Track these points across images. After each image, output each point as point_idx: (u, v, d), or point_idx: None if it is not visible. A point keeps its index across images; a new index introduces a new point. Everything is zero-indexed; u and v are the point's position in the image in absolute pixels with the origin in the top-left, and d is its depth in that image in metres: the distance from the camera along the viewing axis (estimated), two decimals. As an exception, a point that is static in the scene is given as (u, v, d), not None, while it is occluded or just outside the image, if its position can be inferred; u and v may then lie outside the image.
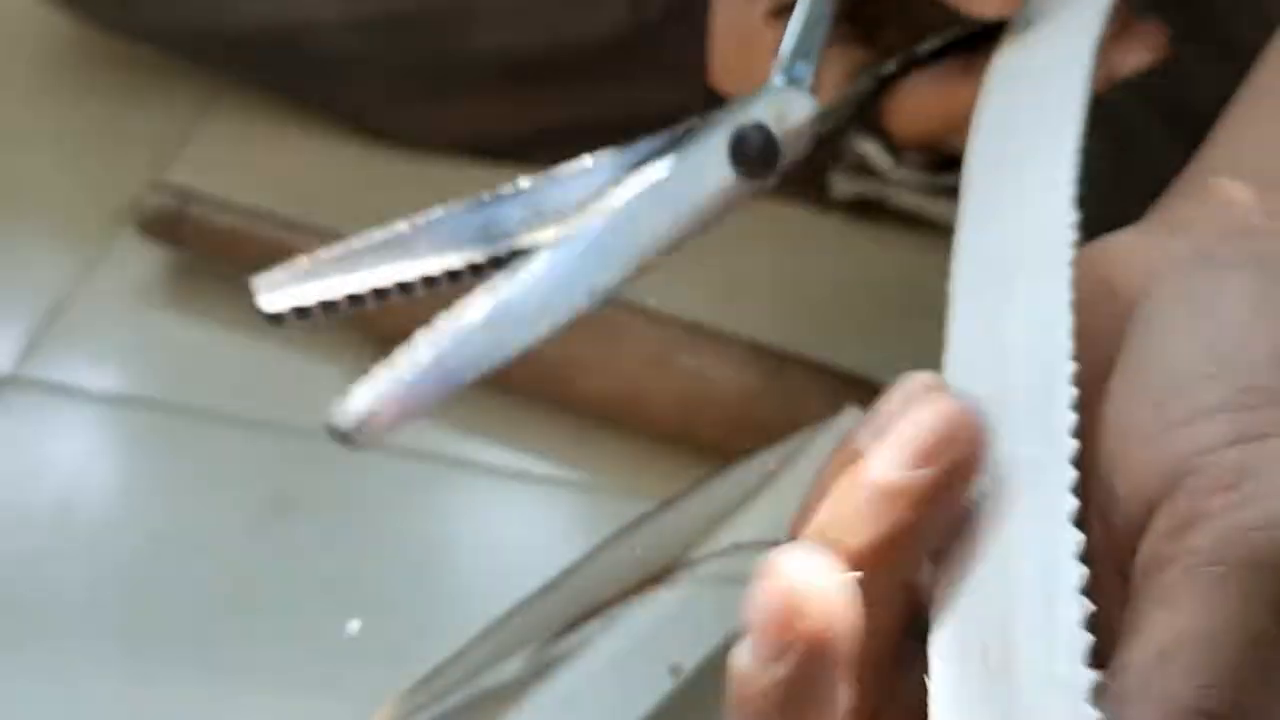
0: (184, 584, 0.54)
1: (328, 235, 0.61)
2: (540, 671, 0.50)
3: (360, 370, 0.51)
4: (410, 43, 0.68)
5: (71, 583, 0.54)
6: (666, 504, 0.53)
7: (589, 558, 0.51)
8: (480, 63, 0.69)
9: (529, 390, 0.59)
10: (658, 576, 0.52)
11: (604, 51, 0.68)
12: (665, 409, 0.57)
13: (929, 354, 0.31)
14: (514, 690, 0.49)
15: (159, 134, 0.73)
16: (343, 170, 0.72)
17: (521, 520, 0.57)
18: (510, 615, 0.50)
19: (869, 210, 0.69)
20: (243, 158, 0.72)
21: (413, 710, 0.48)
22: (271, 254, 0.60)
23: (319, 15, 0.67)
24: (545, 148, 0.71)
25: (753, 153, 0.42)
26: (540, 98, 0.70)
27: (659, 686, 0.48)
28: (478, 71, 0.69)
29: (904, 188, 0.68)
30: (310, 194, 0.70)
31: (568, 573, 0.51)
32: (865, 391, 0.51)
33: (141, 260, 0.65)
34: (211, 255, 0.63)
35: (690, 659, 0.48)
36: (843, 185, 0.69)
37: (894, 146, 0.69)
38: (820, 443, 0.54)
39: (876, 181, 0.69)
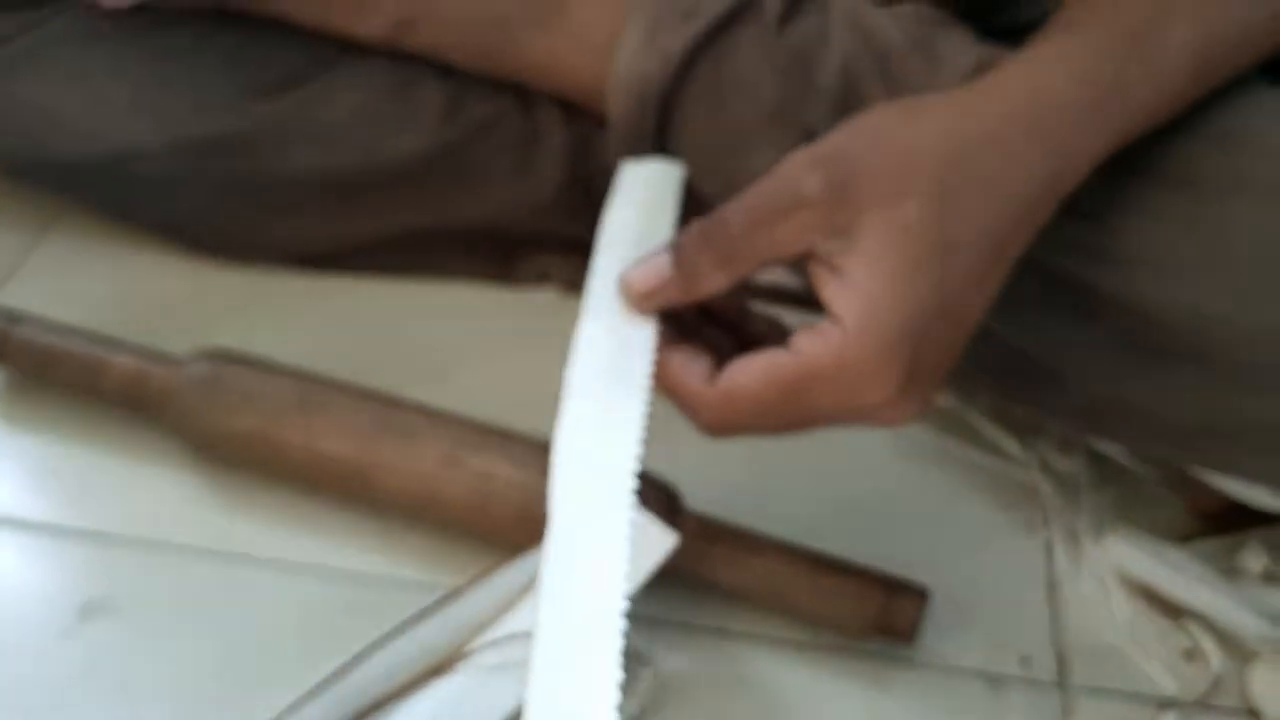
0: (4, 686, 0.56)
1: (143, 353, 0.64)
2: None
3: (180, 475, 0.55)
4: (229, 164, 0.71)
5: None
6: (448, 596, 0.56)
7: (373, 647, 0.54)
8: (297, 181, 0.72)
9: (335, 488, 0.62)
10: (439, 667, 0.55)
11: (411, 168, 0.72)
12: (457, 505, 0.60)
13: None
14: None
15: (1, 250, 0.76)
16: (173, 283, 0.75)
17: (323, 611, 0.60)
18: (300, 703, 0.53)
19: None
20: (79, 273, 0.75)
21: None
22: (89, 370, 0.64)
23: (141, 142, 0.70)
24: (362, 256, 0.76)
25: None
26: (355, 211, 0.74)
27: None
28: (295, 189, 0.72)
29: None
30: (143, 307, 0.73)
31: (354, 662, 0.54)
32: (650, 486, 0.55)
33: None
34: (35, 372, 0.66)
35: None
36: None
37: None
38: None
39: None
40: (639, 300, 0.47)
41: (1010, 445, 0.68)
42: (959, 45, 0.63)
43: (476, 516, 0.60)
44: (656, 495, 0.59)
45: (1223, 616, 0.60)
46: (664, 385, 0.47)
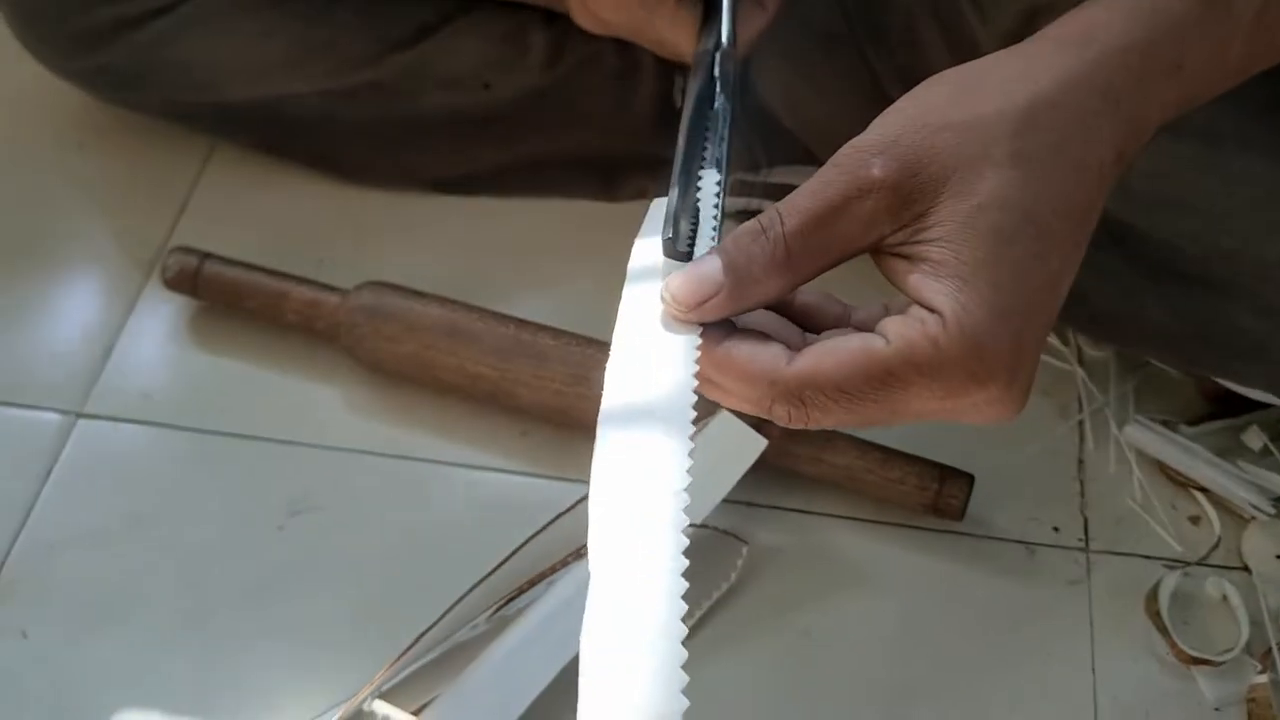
0: (226, 574, 0.71)
1: (315, 284, 0.77)
2: (497, 629, 0.67)
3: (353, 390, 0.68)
4: (369, 108, 0.82)
5: (143, 578, 0.71)
6: (585, 497, 0.69)
7: (531, 538, 0.68)
8: (427, 119, 0.83)
9: (482, 401, 0.75)
10: (577, 551, 0.69)
11: (524, 105, 0.82)
12: (583, 416, 0.72)
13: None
14: (479, 644, 0.67)
15: (166, 187, 0.88)
16: (323, 208, 0.87)
17: (482, 503, 0.74)
18: (473, 589, 0.67)
19: (753, 215, 0.85)
20: (239, 205, 0.87)
21: (404, 666, 0.66)
22: (271, 301, 0.77)
23: (292, 89, 0.81)
24: (485, 181, 0.87)
25: (734, 73, 0.55)
26: (477, 143, 0.85)
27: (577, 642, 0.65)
28: (426, 125, 0.84)
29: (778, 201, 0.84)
30: (297, 231, 0.85)
31: (511, 553, 0.68)
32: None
33: (168, 308, 0.81)
34: (223, 302, 0.79)
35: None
36: (731, 202, 0.83)
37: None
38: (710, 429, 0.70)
39: (757, 198, 0.84)
40: (686, 313, 0.42)
41: (1049, 337, 0.79)
42: None
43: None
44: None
45: (1223, 489, 0.72)
46: (732, 372, 0.41)
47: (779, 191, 0.84)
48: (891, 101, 0.74)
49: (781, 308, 0.46)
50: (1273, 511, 0.71)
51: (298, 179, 0.87)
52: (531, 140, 0.85)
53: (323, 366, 0.78)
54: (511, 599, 0.68)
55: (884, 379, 0.40)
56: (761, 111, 0.81)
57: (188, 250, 0.79)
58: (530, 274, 0.84)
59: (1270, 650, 0.67)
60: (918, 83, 0.72)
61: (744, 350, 0.41)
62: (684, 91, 0.57)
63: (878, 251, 0.42)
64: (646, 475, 0.39)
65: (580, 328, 0.77)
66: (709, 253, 0.42)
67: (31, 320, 0.81)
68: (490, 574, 0.68)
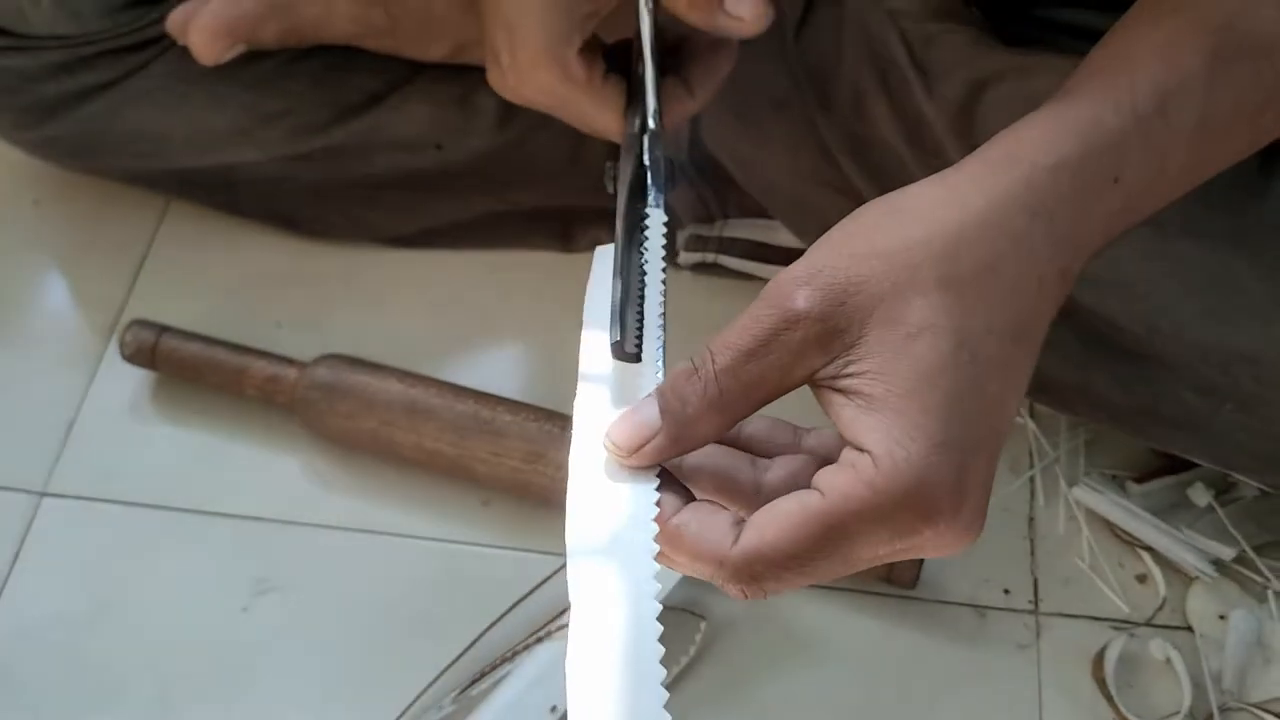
0: (194, 660, 0.72)
1: (272, 356, 0.77)
2: (463, 710, 0.69)
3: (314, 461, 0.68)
4: (323, 169, 0.82)
5: (113, 666, 0.72)
6: (549, 577, 0.71)
7: (494, 623, 0.70)
8: (382, 179, 0.83)
9: (441, 475, 0.76)
10: (539, 635, 0.70)
11: (477, 165, 0.82)
12: (541, 491, 0.74)
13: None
14: (446, 727, 0.69)
15: (123, 244, 0.88)
16: (281, 266, 0.87)
17: (446, 576, 0.75)
18: (439, 677, 0.69)
19: (709, 269, 0.85)
20: (197, 261, 0.87)
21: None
22: (229, 375, 0.77)
23: (244, 156, 0.81)
24: (441, 235, 0.87)
25: (665, 175, 0.55)
26: (432, 200, 0.85)
27: (543, 721, 0.67)
28: (382, 185, 0.84)
29: (732, 255, 0.84)
30: (255, 290, 0.86)
31: (481, 634, 0.70)
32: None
33: (128, 377, 0.81)
34: (181, 376, 0.79)
35: (565, 702, 0.67)
36: (687, 256, 0.85)
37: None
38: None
39: (712, 252, 0.84)
40: (625, 457, 0.42)
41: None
42: (958, 56, 0.70)
43: (559, 500, 0.74)
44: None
45: (1167, 550, 0.74)
46: (683, 551, 0.41)
47: (734, 245, 0.85)
48: (841, 169, 0.75)
49: (729, 440, 0.45)
50: (1214, 573, 0.73)
51: (254, 235, 0.88)
52: (486, 196, 0.85)
53: (284, 438, 0.79)
54: (476, 680, 0.70)
55: (827, 536, 0.39)
56: (714, 164, 0.81)
57: (145, 324, 0.79)
58: (490, 327, 0.85)
59: (1212, 715, 0.69)
60: (866, 152, 0.74)
61: (691, 529, 0.41)
62: (615, 178, 0.57)
63: (813, 384, 0.42)
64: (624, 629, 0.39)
65: (541, 380, 0.78)
66: (647, 397, 0.42)
67: (-8, 392, 0.82)
68: (456, 660, 0.70)
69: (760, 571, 0.40)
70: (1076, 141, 0.44)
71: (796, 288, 0.40)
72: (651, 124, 0.60)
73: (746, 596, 0.41)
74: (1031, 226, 0.42)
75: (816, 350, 0.40)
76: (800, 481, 0.41)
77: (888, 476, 0.38)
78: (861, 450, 0.39)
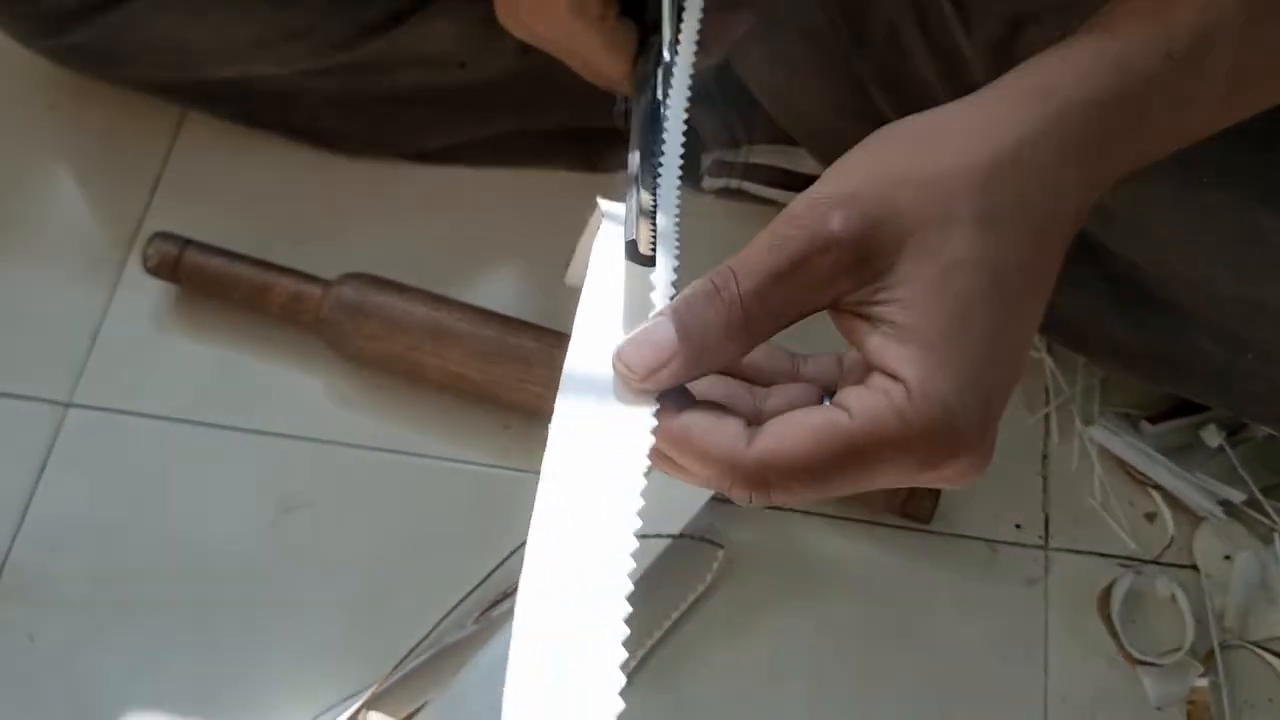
0: (222, 572, 0.74)
1: (297, 274, 0.77)
2: (483, 632, 0.71)
3: (338, 381, 0.68)
4: (345, 84, 0.81)
5: (142, 577, 0.73)
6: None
7: (519, 548, 0.71)
8: (405, 95, 0.82)
9: (465, 398, 0.77)
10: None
11: (501, 84, 0.81)
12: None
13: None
14: (466, 647, 0.70)
15: (141, 152, 0.87)
16: (301, 180, 0.86)
17: (468, 499, 0.76)
18: (462, 600, 0.71)
19: (733, 195, 0.85)
20: (216, 172, 0.86)
21: (394, 672, 0.69)
22: (254, 291, 0.77)
23: (265, 70, 0.80)
24: (464, 152, 0.87)
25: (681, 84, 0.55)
26: (455, 118, 0.84)
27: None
28: (404, 101, 0.83)
29: (756, 182, 0.84)
30: (275, 203, 0.85)
31: (506, 557, 0.71)
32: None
33: (150, 290, 0.81)
34: (204, 292, 0.79)
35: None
36: (711, 181, 0.85)
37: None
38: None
39: (737, 178, 0.84)
40: (639, 381, 0.40)
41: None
42: None
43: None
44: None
45: (1178, 490, 0.75)
46: (689, 452, 0.40)
47: (759, 171, 0.84)
48: (873, 101, 0.75)
49: (725, 369, 0.43)
50: (1223, 515, 0.74)
51: (273, 148, 0.87)
52: (509, 115, 0.84)
53: (308, 356, 0.79)
54: (497, 603, 0.72)
55: (849, 456, 0.38)
56: (741, 91, 0.80)
57: (168, 237, 0.79)
58: (510, 247, 0.85)
59: (1213, 651, 0.71)
60: (901, 87, 0.73)
61: (700, 427, 0.39)
62: (625, 113, 0.57)
63: (835, 309, 0.41)
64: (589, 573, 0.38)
65: (562, 300, 0.78)
66: (661, 315, 0.40)
67: (13, 301, 0.81)
68: (479, 584, 0.71)
69: (773, 479, 0.39)
70: (1109, 80, 0.43)
71: (830, 209, 0.39)
72: (667, 56, 0.59)
73: (750, 502, 0.40)
74: (1060, 165, 0.42)
75: (847, 275, 0.39)
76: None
77: (919, 409, 0.38)
78: (895, 378, 0.38)
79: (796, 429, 0.39)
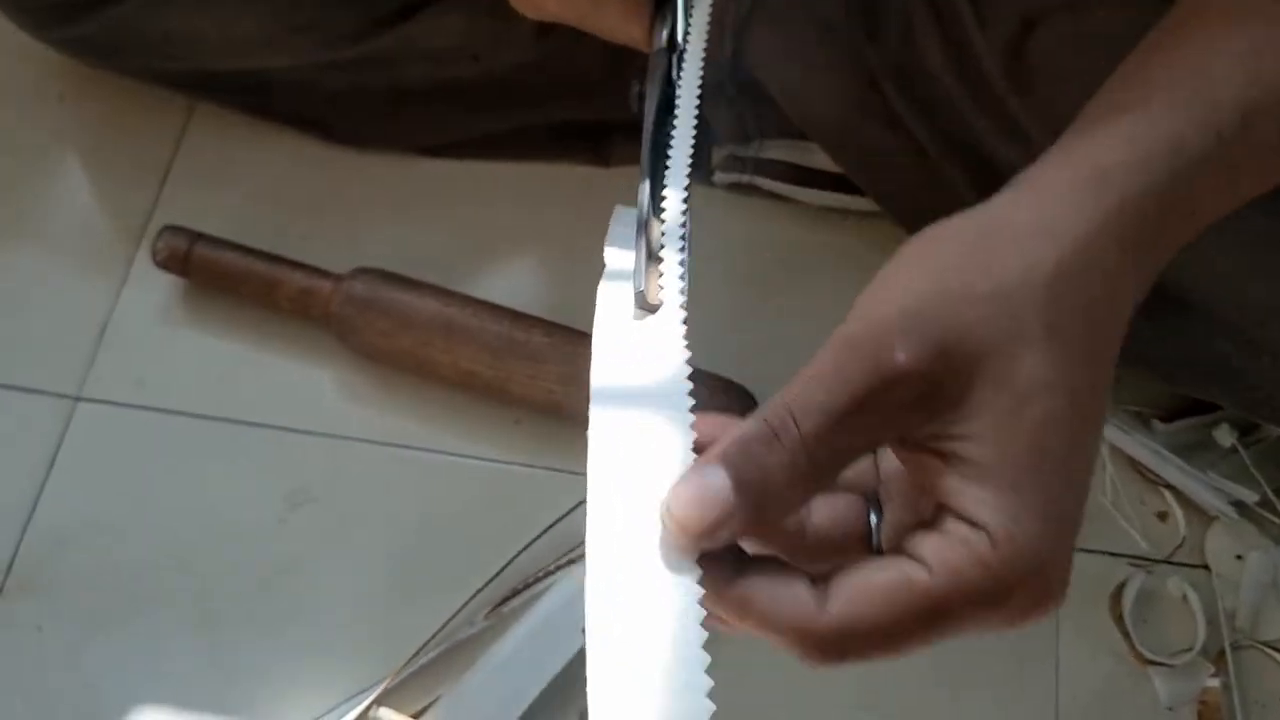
0: (231, 569, 0.73)
1: (307, 268, 0.77)
2: (494, 628, 0.71)
3: (347, 375, 0.68)
4: (353, 77, 0.81)
5: (151, 572, 0.73)
6: (582, 501, 0.72)
7: (531, 543, 0.71)
8: (416, 89, 0.82)
9: (475, 394, 0.77)
10: (572, 556, 0.72)
11: (514, 77, 0.81)
12: (575, 413, 0.74)
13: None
14: (476, 643, 0.70)
15: (150, 142, 0.86)
16: (310, 172, 0.86)
17: (478, 494, 0.76)
18: (474, 597, 0.70)
19: (744, 190, 0.85)
20: (225, 164, 0.86)
21: (404, 668, 0.69)
22: (263, 285, 0.77)
23: (275, 62, 0.80)
24: (475, 147, 0.86)
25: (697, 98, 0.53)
26: (466, 112, 0.84)
27: (575, 643, 0.69)
28: (415, 95, 0.83)
29: (768, 177, 0.84)
30: (284, 196, 0.85)
31: (518, 554, 0.71)
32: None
33: (159, 283, 0.81)
34: (214, 286, 0.79)
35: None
36: (722, 176, 0.84)
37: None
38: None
39: (748, 173, 0.84)
40: (694, 541, 0.35)
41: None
42: None
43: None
44: (731, 398, 0.74)
45: (1190, 490, 0.75)
46: (752, 622, 0.36)
47: (771, 166, 0.84)
48: (886, 96, 0.74)
49: None
50: (1235, 515, 0.74)
51: (283, 141, 0.86)
52: (522, 109, 0.84)
53: (317, 350, 0.79)
54: (508, 599, 0.71)
55: (931, 616, 0.35)
56: (754, 83, 0.80)
57: (177, 230, 0.79)
58: (521, 242, 0.84)
59: (1224, 651, 0.71)
60: (914, 83, 0.73)
61: (765, 595, 0.35)
62: (641, 95, 0.56)
63: (904, 445, 0.37)
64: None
65: (572, 295, 0.77)
66: (713, 462, 0.35)
67: (21, 293, 0.81)
68: (491, 580, 0.71)
69: (850, 646, 0.35)
70: (1162, 166, 0.40)
71: (894, 339, 0.35)
72: (680, 42, 0.59)
73: (827, 668, 0.36)
74: (1121, 261, 0.39)
75: (917, 410, 0.36)
76: (848, 525, 0.39)
77: (1006, 559, 0.34)
78: (974, 525, 0.35)
79: (874, 591, 0.35)
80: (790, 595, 0.35)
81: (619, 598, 0.35)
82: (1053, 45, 0.66)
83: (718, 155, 0.84)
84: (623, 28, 0.61)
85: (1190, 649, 0.71)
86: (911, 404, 0.35)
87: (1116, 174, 0.40)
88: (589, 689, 0.35)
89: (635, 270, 0.44)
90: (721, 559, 0.36)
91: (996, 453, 0.35)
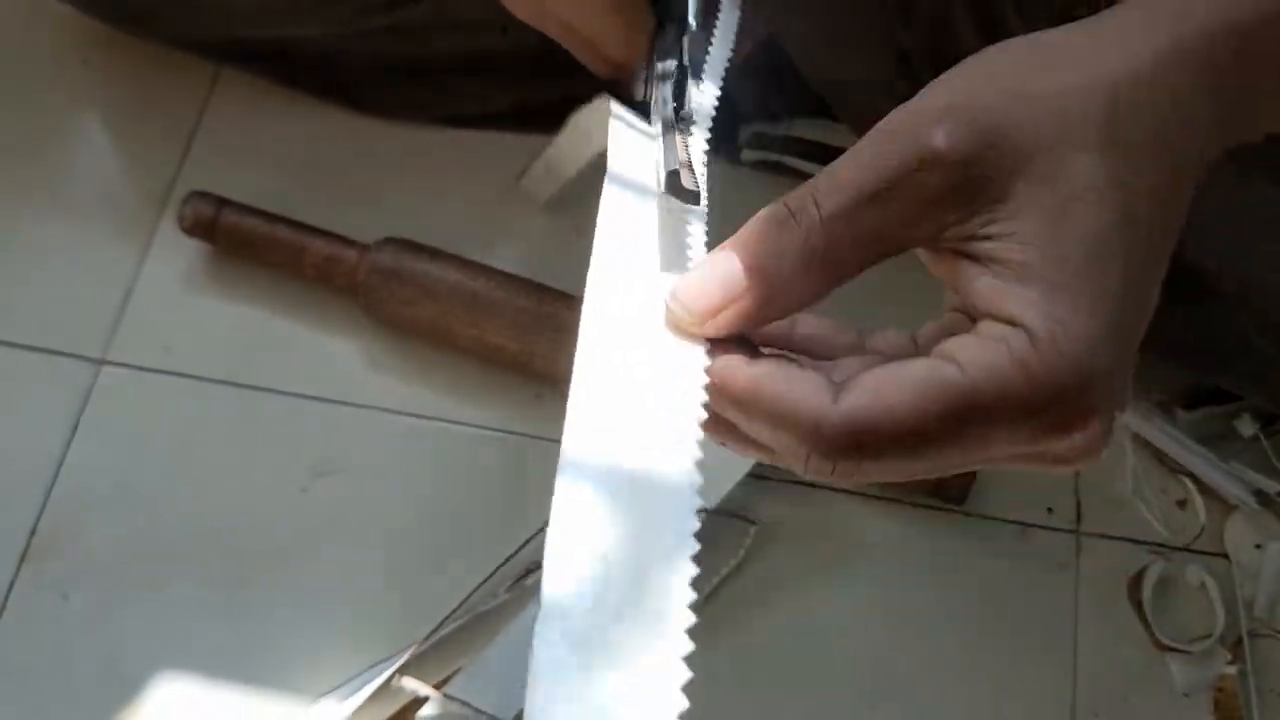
0: (255, 536, 0.74)
1: (333, 236, 0.77)
2: (516, 600, 0.71)
3: (371, 344, 0.68)
4: (383, 47, 0.81)
5: (175, 539, 0.73)
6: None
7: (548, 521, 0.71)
8: (444, 60, 0.82)
9: (500, 367, 0.77)
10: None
11: (543, 49, 0.80)
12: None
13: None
14: (499, 615, 0.71)
15: (175, 108, 0.86)
16: (335, 140, 0.86)
17: (498, 467, 0.76)
18: (497, 570, 0.71)
19: (771, 168, 0.85)
20: (250, 130, 0.85)
21: (427, 639, 0.69)
22: (289, 252, 0.77)
23: (303, 31, 0.80)
24: (506, 120, 0.86)
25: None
26: (498, 84, 0.83)
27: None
28: (443, 66, 0.82)
29: (796, 156, 0.84)
30: (309, 163, 0.84)
31: (534, 535, 0.71)
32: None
33: (184, 249, 0.81)
34: (240, 252, 0.79)
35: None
36: (749, 154, 0.84)
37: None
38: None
39: (775, 151, 0.84)
40: (698, 325, 0.34)
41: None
42: None
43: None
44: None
45: (1211, 479, 0.75)
46: (760, 413, 0.33)
47: (798, 145, 0.84)
48: (920, 80, 0.74)
49: (781, 341, 0.38)
50: (1256, 504, 0.74)
51: (309, 108, 0.86)
52: (551, 81, 0.83)
53: (341, 319, 0.79)
54: (531, 571, 0.72)
55: (960, 417, 0.31)
56: (783, 61, 0.80)
57: (203, 196, 0.78)
58: (547, 214, 0.84)
59: (1241, 640, 0.72)
60: (948, 65, 0.72)
61: (776, 380, 0.33)
62: (646, 80, 0.57)
63: (932, 245, 0.34)
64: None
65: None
66: (723, 247, 0.33)
67: (47, 257, 0.81)
68: (514, 554, 0.71)
69: (866, 443, 0.32)
70: (1249, 7, 0.36)
71: (935, 121, 0.32)
72: (693, 24, 0.59)
73: (833, 475, 0.33)
74: (1195, 94, 0.35)
75: (951, 202, 0.33)
76: None
77: (1047, 360, 0.31)
78: (1013, 324, 0.32)
79: (896, 383, 0.32)
80: (804, 381, 0.32)
81: (612, 366, 0.33)
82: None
83: (744, 133, 0.84)
84: (618, 38, 0.61)
85: (1208, 636, 0.72)
86: (947, 196, 0.33)
87: (1197, 5, 0.36)
88: (564, 438, 0.34)
89: (665, 152, 0.41)
90: (732, 347, 0.34)
91: (1041, 252, 0.32)
